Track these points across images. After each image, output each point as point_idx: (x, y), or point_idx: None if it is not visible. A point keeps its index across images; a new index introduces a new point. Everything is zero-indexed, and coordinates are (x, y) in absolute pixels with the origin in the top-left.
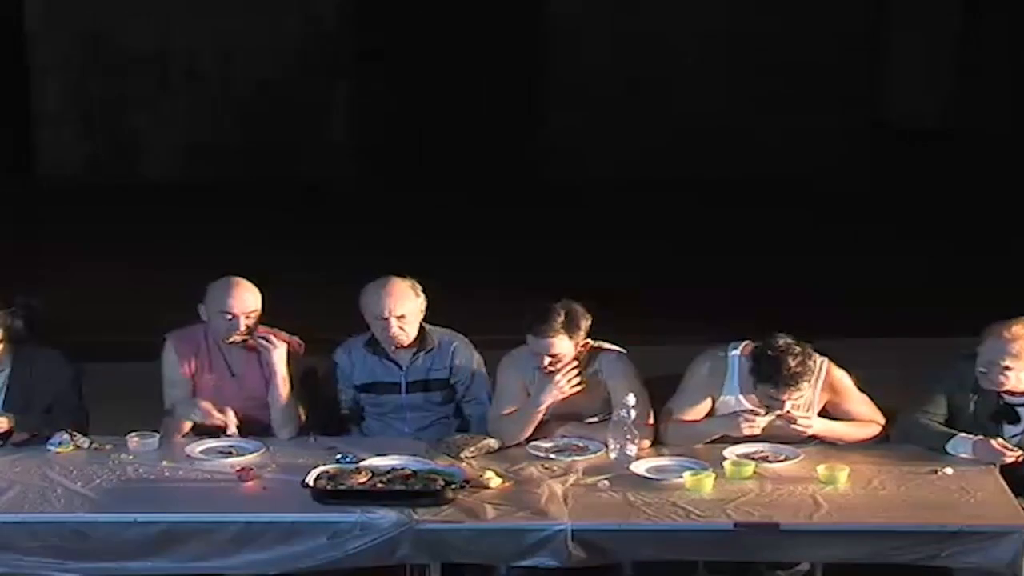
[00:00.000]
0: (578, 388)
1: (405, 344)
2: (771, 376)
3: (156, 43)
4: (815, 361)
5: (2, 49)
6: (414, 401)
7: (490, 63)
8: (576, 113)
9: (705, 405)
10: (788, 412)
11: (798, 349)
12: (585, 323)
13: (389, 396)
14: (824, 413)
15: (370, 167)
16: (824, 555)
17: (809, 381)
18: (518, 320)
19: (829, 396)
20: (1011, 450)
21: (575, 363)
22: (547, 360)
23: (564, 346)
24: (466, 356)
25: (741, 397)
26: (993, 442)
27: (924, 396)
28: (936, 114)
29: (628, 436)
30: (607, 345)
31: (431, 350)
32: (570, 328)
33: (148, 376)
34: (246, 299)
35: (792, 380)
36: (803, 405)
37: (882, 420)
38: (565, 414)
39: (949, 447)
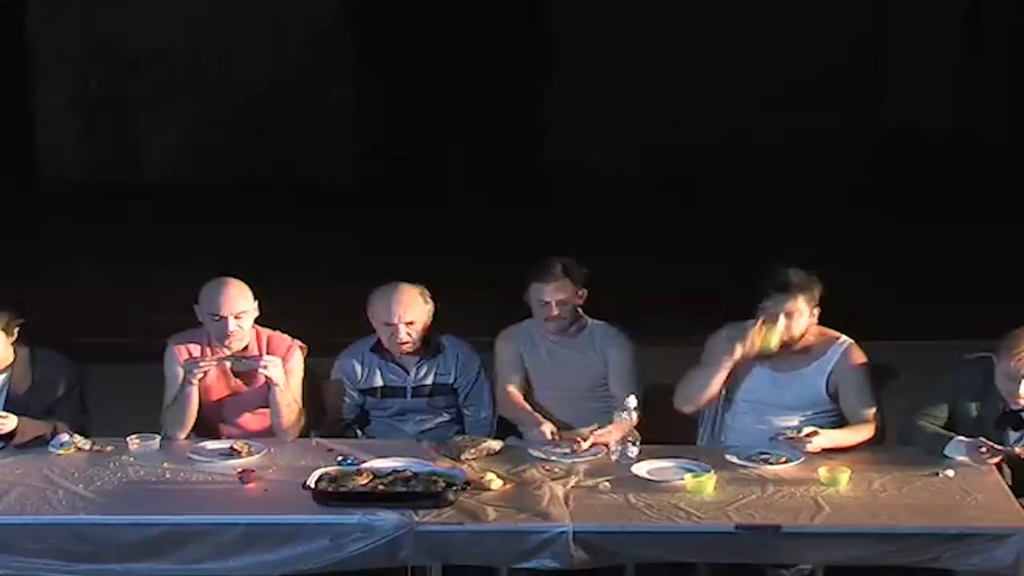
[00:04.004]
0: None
1: (412, 350)
2: (770, 285)
3: (158, 44)
4: (817, 286)
5: (4, 49)
6: (418, 405)
7: (492, 63)
8: (580, 114)
9: (723, 374)
10: (797, 435)
11: (804, 272)
12: (582, 274)
13: (394, 400)
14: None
15: (372, 168)
16: (825, 557)
17: (804, 297)
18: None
19: (841, 371)
20: (996, 449)
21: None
22: (555, 309)
23: (567, 290)
24: (471, 361)
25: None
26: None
27: (926, 400)
28: (938, 115)
29: (629, 438)
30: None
31: (437, 355)
32: (571, 274)
33: (149, 378)
34: (235, 300)
35: (788, 288)
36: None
37: (877, 418)
38: (560, 383)
39: (947, 451)
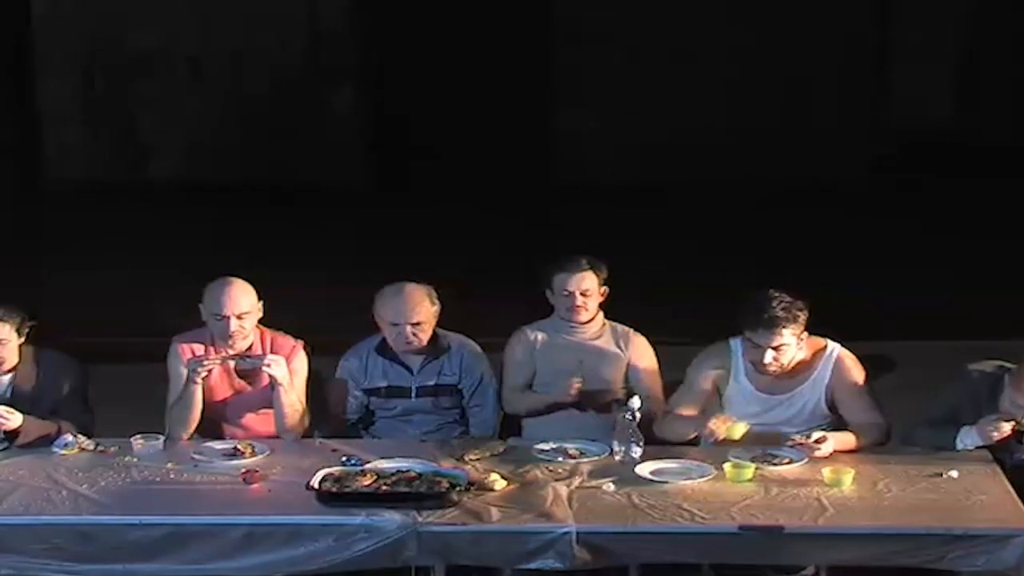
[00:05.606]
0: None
1: (418, 350)
2: (753, 319)
3: (161, 44)
4: (802, 312)
5: (7, 50)
6: (423, 405)
7: (496, 65)
8: (583, 116)
9: (705, 397)
10: (804, 440)
11: (785, 297)
12: (605, 271)
13: (399, 400)
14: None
15: (374, 169)
16: (829, 558)
17: (791, 329)
18: (523, 323)
19: (836, 382)
20: (1008, 420)
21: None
22: (579, 300)
23: (592, 282)
24: (476, 362)
25: (745, 380)
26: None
27: (929, 409)
28: (939, 118)
29: (633, 438)
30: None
31: (442, 355)
32: (595, 267)
33: (153, 377)
34: (238, 300)
35: (772, 323)
36: (806, 396)
37: (882, 420)
38: (590, 389)
39: (959, 443)
